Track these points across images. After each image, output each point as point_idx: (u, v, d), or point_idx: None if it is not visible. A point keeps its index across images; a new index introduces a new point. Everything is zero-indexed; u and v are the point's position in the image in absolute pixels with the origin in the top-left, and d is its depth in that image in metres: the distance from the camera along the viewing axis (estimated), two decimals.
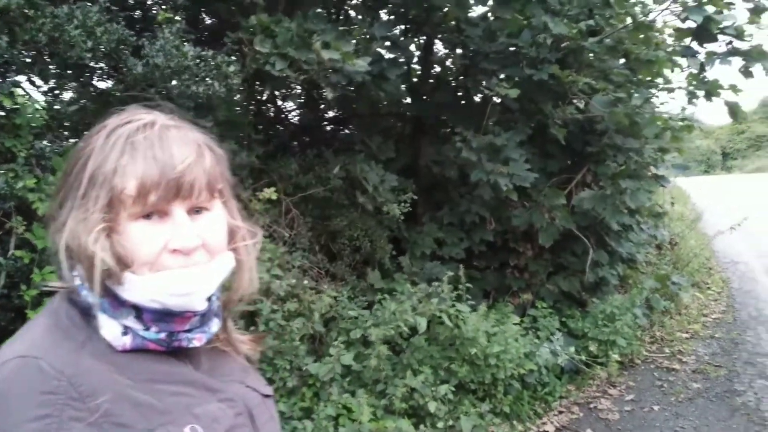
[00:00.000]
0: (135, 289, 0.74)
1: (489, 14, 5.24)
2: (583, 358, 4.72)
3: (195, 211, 0.79)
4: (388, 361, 3.68)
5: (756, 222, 8.11)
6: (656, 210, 6.72)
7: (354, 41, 3.74)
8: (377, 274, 4.25)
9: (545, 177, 5.17)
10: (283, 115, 5.39)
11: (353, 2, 4.94)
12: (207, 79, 3.31)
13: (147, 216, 0.75)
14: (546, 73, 4.67)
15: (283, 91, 5.07)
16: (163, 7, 3.69)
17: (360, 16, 4.70)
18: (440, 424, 3.53)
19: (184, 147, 0.77)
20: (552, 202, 4.94)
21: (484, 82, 5.41)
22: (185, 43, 3.26)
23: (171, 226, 0.76)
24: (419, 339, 3.85)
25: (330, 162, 4.36)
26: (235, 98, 4.08)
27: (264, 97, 5.03)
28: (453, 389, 3.69)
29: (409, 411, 3.54)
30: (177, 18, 3.49)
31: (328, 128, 5.76)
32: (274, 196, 3.57)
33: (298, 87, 4.87)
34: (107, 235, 0.73)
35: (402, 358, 3.79)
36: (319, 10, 4.56)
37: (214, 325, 0.85)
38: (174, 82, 3.30)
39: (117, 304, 0.76)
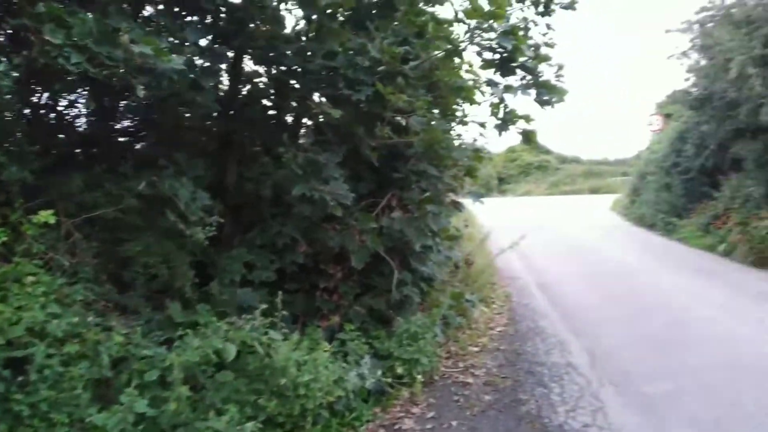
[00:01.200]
0: None
1: (310, 27, 5.17)
2: (389, 379, 4.83)
3: None
4: (189, 402, 3.34)
5: (529, 240, 9.18)
6: (453, 232, 7.23)
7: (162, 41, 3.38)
8: (177, 306, 3.86)
9: (356, 199, 5.25)
10: (65, 122, 4.69)
11: (158, 7, 4.49)
12: None
13: None
14: (365, 94, 4.75)
15: (65, 95, 4.41)
16: None
17: (163, 23, 4.28)
18: None
19: None
20: (364, 225, 5.04)
21: (294, 103, 5.34)
22: None
23: None
24: (224, 374, 3.57)
25: (128, 177, 3.88)
26: (4, 101, 3.43)
27: (42, 101, 4.33)
28: (260, 425, 3.49)
29: None
30: None
31: (121, 140, 5.16)
32: (51, 219, 3.05)
33: (85, 92, 4.29)
34: None
35: (205, 397, 3.48)
36: (123, 5, 4.08)
37: None
38: None
39: None
